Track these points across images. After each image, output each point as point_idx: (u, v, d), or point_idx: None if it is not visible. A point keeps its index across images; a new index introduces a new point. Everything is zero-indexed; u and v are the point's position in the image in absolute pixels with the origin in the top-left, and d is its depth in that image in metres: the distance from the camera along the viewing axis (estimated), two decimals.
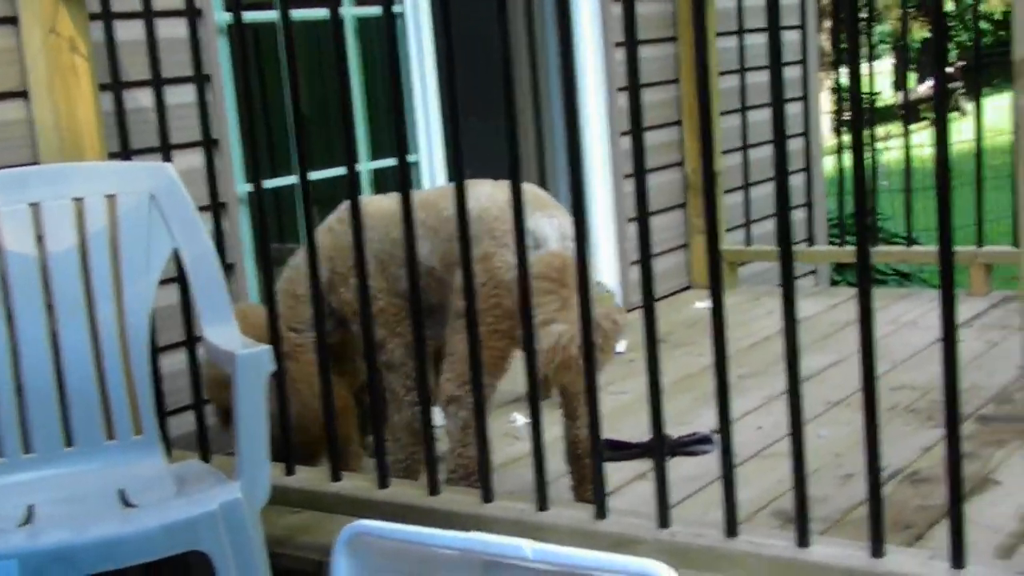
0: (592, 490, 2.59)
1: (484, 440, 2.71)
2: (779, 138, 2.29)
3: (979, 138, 5.19)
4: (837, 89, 6.76)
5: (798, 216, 5.73)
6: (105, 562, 2.38)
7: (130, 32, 3.24)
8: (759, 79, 5.71)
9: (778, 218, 2.32)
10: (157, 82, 3.13)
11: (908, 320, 4.92)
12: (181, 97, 3.39)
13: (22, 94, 3.21)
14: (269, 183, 3.88)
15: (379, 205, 3.25)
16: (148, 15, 3.13)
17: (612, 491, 3.06)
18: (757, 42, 5.76)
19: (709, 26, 2.50)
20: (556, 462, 2.99)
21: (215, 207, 3.14)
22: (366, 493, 2.90)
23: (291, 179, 4.19)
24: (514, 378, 3.03)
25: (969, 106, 14.49)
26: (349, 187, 2.81)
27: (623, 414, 3.79)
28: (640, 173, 2.43)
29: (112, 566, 2.39)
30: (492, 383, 2.97)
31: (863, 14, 6.02)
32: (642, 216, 2.45)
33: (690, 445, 3.55)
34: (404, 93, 4.42)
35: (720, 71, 5.62)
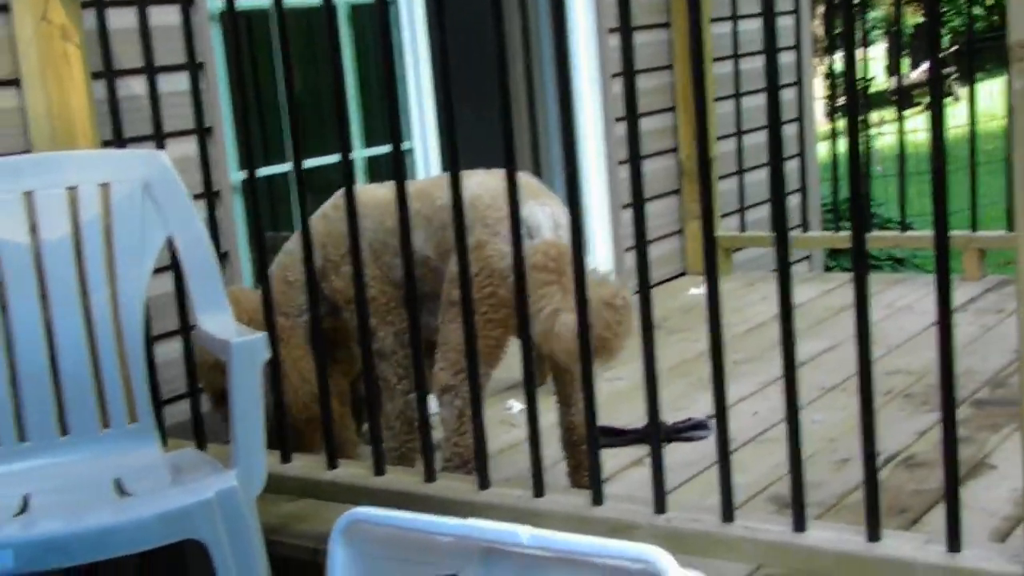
0: (588, 476, 2.59)
1: (480, 427, 2.71)
2: (774, 124, 2.29)
3: (973, 122, 5.19)
4: (830, 75, 6.75)
5: (792, 202, 5.73)
6: (100, 551, 2.38)
7: (122, 20, 3.23)
8: (752, 65, 5.71)
9: (773, 204, 2.32)
10: (150, 70, 3.12)
11: (903, 305, 4.92)
12: (174, 85, 3.37)
13: (14, 82, 3.20)
14: (262, 171, 3.87)
15: (373, 194, 3.24)
16: (141, 2, 3.11)
17: (608, 477, 3.06)
18: (750, 28, 5.75)
19: (703, 12, 2.49)
20: (552, 448, 2.99)
21: (209, 195, 3.13)
22: (362, 481, 2.89)
23: (284, 167, 4.18)
24: (509, 365, 3.03)
25: (961, 91, 14.50)
26: (344, 175, 2.81)
27: (619, 400, 3.79)
28: (635, 159, 2.43)
29: (107, 555, 2.39)
30: (487, 372, 2.97)
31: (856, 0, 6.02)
32: (637, 202, 2.45)
33: (686, 431, 3.55)
34: (398, 81, 4.41)
35: (714, 57, 5.61)
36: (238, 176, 3.90)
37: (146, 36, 3.10)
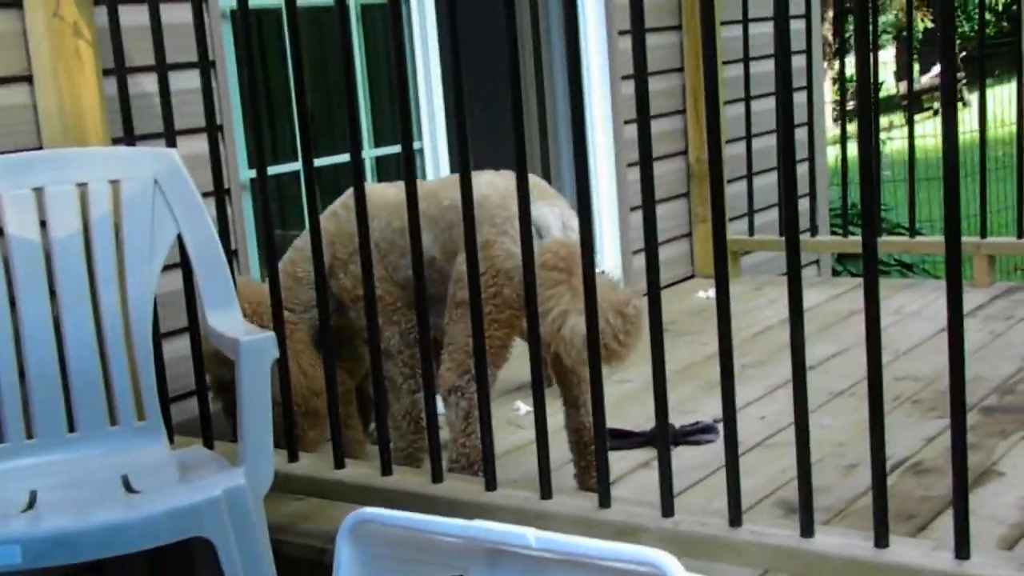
0: (596, 479, 2.59)
1: (488, 428, 2.71)
2: (786, 128, 2.28)
3: (983, 128, 5.18)
4: (838, 79, 6.74)
5: (801, 206, 5.70)
6: (108, 548, 2.38)
7: (134, 17, 3.23)
8: (762, 69, 5.69)
9: (785, 207, 2.32)
10: (161, 67, 3.12)
11: (911, 311, 4.91)
12: (185, 83, 3.37)
13: (26, 79, 3.20)
14: (272, 170, 3.87)
15: (382, 194, 3.25)
16: (153, 0, 3.12)
17: (615, 480, 3.06)
18: (760, 31, 5.74)
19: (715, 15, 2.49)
20: (559, 450, 2.99)
21: (219, 193, 3.13)
22: (369, 480, 2.89)
23: (294, 166, 4.18)
24: (516, 366, 3.03)
25: (970, 96, 14.47)
26: (353, 175, 2.81)
27: (626, 403, 3.79)
28: (646, 161, 2.43)
29: (114, 552, 2.39)
30: (493, 372, 2.97)
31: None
32: (648, 205, 2.44)
33: (693, 434, 3.55)
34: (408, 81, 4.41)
35: (723, 60, 5.60)
36: (248, 174, 3.90)
37: (158, 33, 3.10)
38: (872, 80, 5.68)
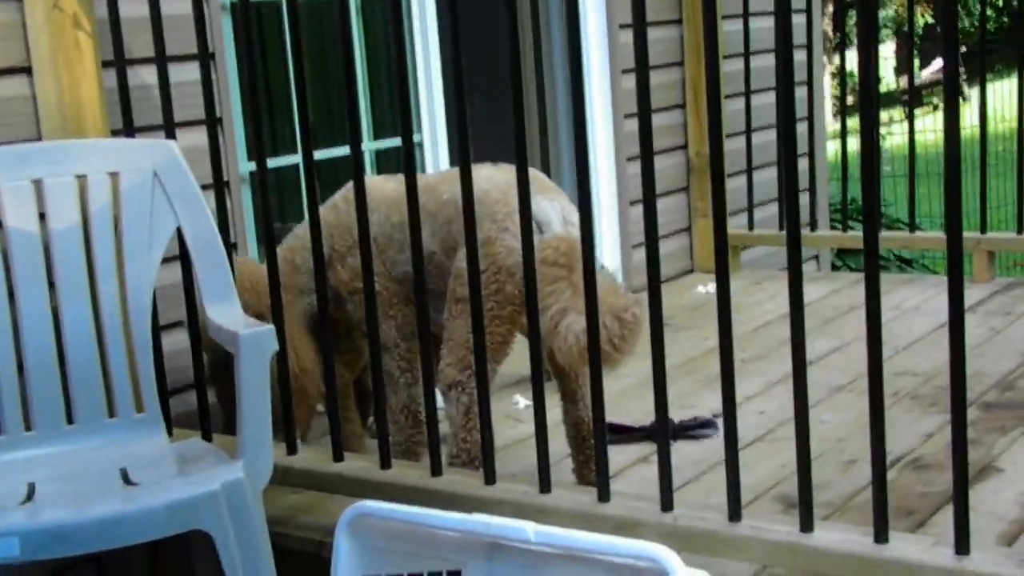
0: (595, 473, 2.58)
1: (487, 423, 2.71)
2: (788, 123, 2.28)
3: (983, 123, 5.18)
4: (838, 74, 6.74)
5: (801, 201, 5.69)
6: (106, 541, 2.37)
7: (134, 8, 3.22)
8: (761, 63, 5.69)
9: (787, 202, 2.31)
10: (161, 59, 3.11)
11: (911, 306, 4.91)
12: (185, 75, 3.36)
13: (25, 70, 3.19)
14: (271, 162, 3.87)
15: (382, 187, 3.24)
16: None
17: (614, 474, 3.05)
18: (760, 26, 5.73)
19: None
20: (558, 444, 2.99)
21: (218, 186, 3.13)
22: (368, 474, 2.89)
23: (293, 159, 4.18)
24: (515, 360, 3.03)
25: (969, 92, 14.48)
26: (353, 169, 2.80)
27: (625, 397, 3.78)
28: (648, 156, 2.42)
29: (113, 545, 2.39)
30: (493, 368, 2.96)
31: None
32: (648, 199, 2.44)
33: (693, 429, 3.54)
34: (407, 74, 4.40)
35: (724, 54, 5.59)
36: (247, 167, 3.90)
37: (157, 25, 3.09)
38: (875, 75, 5.67)
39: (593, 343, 2.53)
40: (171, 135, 3.11)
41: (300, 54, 2.83)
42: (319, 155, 3.87)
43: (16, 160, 2.89)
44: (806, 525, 2.34)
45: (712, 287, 2.42)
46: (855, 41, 2.25)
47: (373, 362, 2.89)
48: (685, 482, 3.13)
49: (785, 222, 2.32)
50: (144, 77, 3.38)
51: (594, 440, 2.60)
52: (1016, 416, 3.51)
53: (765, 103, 5.75)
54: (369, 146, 4.42)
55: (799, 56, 5.78)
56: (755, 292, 5.28)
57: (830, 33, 13.58)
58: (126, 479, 2.63)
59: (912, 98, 6.04)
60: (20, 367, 2.83)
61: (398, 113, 2.74)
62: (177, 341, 3.33)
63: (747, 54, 5.64)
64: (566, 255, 2.76)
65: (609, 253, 5.29)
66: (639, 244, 5.13)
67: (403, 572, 2.29)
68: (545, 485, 2.63)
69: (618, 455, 3.31)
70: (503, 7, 2.50)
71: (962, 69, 16.29)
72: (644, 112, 2.42)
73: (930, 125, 8.50)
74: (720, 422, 2.87)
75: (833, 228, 6.40)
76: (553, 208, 2.93)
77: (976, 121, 5.25)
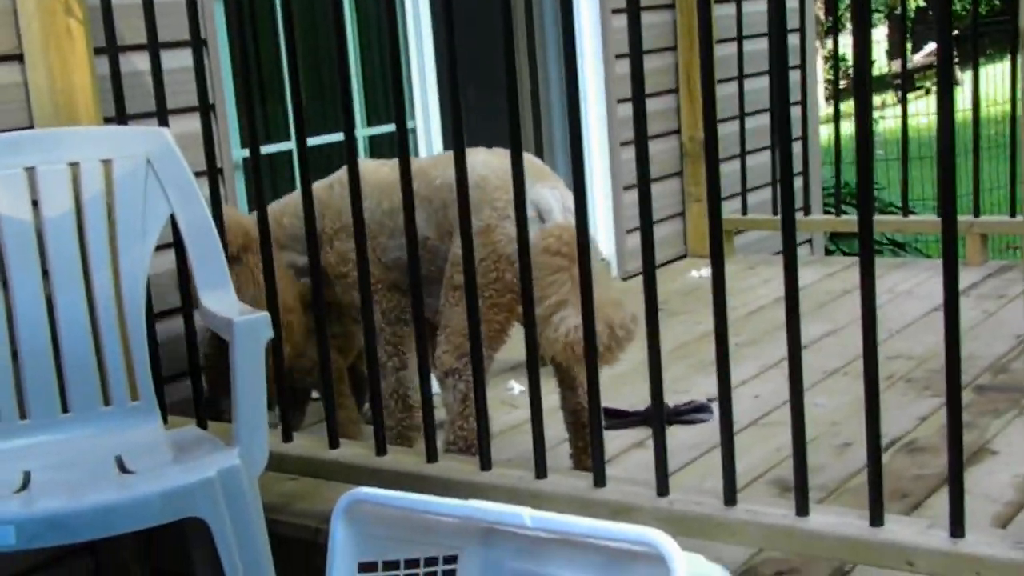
0: (591, 458, 2.59)
1: (483, 409, 2.71)
2: (782, 107, 2.28)
3: (976, 107, 5.18)
4: (831, 58, 6.73)
5: (794, 185, 5.71)
6: (102, 529, 2.37)
7: None
8: (754, 47, 5.68)
9: (781, 186, 2.32)
10: (153, 46, 3.10)
11: (904, 290, 4.92)
12: (177, 61, 3.35)
13: (17, 57, 3.18)
14: (264, 149, 3.86)
15: (376, 171, 3.22)
16: None
17: (610, 459, 3.06)
18: (753, 10, 5.72)
19: None
20: (553, 430, 2.99)
21: (212, 172, 3.12)
22: (364, 460, 2.89)
23: (286, 145, 4.17)
24: (510, 346, 3.03)
25: (961, 76, 14.47)
26: (347, 155, 2.80)
27: (620, 383, 3.78)
28: (642, 141, 2.42)
29: (109, 533, 2.39)
30: (490, 355, 2.95)
31: None
32: (643, 184, 2.44)
33: (688, 413, 3.55)
34: (400, 60, 4.39)
35: (716, 39, 5.58)
36: (240, 154, 3.89)
37: (150, 12, 3.08)
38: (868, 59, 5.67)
39: (588, 331, 2.53)
40: (164, 122, 3.10)
41: (293, 40, 2.83)
42: (312, 141, 3.87)
43: (8, 148, 2.88)
44: (801, 509, 2.34)
45: (705, 272, 2.42)
46: (847, 25, 2.24)
47: (368, 349, 2.89)
48: (681, 466, 3.14)
49: (779, 207, 2.32)
50: (136, 64, 3.37)
51: (589, 425, 2.60)
52: (1010, 398, 3.52)
53: (758, 87, 5.74)
54: (362, 132, 4.41)
55: (792, 40, 5.79)
56: (748, 277, 5.28)
57: (822, 17, 13.57)
58: (121, 467, 2.63)
59: (905, 82, 6.04)
60: (14, 355, 2.83)
61: (392, 99, 2.73)
62: (172, 328, 3.33)
63: (740, 38, 5.63)
64: (568, 245, 2.73)
65: (603, 238, 5.29)
66: (633, 229, 5.13)
67: (399, 558, 2.28)
68: (541, 471, 2.64)
69: (614, 440, 3.32)
70: None
71: (955, 53, 16.32)
72: (638, 97, 2.42)
73: (923, 109, 8.50)
74: (715, 406, 2.87)
75: (826, 212, 6.40)
76: (553, 196, 2.91)
77: (968, 105, 5.25)
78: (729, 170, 5.70)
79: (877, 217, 6.10)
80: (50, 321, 2.85)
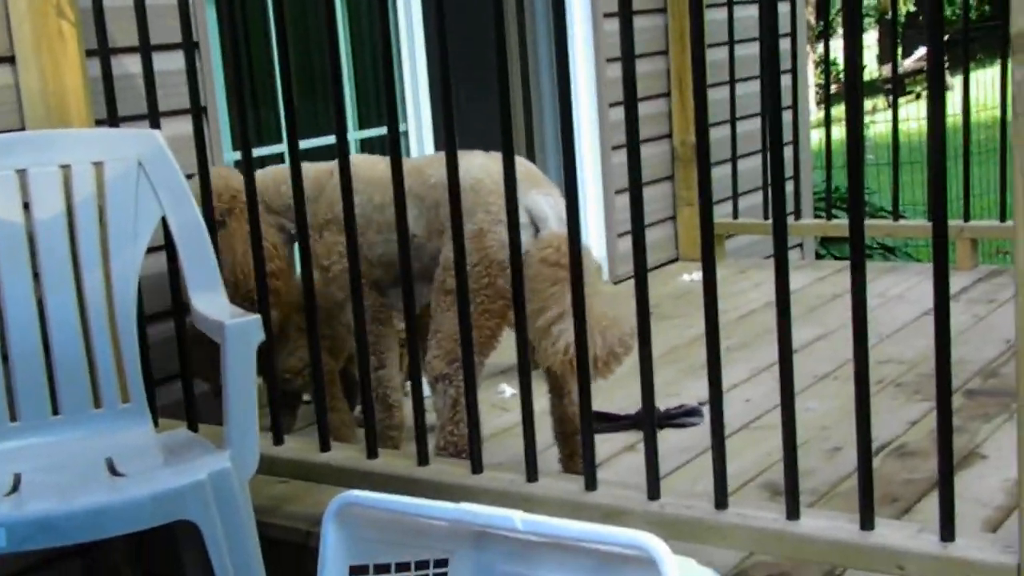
0: (581, 464, 2.58)
1: (474, 411, 2.71)
2: (774, 111, 2.28)
3: (967, 112, 5.19)
4: (822, 63, 6.75)
5: (785, 189, 5.71)
6: (92, 531, 2.37)
7: None
8: (745, 52, 5.69)
9: (772, 190, 2.32)
10: (145, 48, 3.10)
11: (894, 294, 4.93)
12: (169, 64, 3.35)
13: (8, 59, 3.18)
14: (256, 151, 3.86)
15: (370, 167, 3.20)
16: None
17: (601, 462, 3.06)
18: (745, 14, 5.74)
19: None
20: (545, 433, 2.99)
21: (203, 175, 3.11)
22: (354, 463, 2.89)
23: (278, 148, 4.17)
24: (501, 349, 3.03)
25: (951, 80, 14.51)
26: (339, 157, 2.80)
27: (611, 387, 3.78)
28: (634, 145, 2.42)
29: (99, 536, 2.39)
30: (481, 360, 2.95)
31: None
32: (635, 188, 2.44)
33: (679, 417, 3.55)
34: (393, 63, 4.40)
35: (708, 43, 5.59)
36: (232, 156, 3.89)
37: (141, 14, 3.08)
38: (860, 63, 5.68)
39: (580, 334, 2.53)
40: (155, 124, 3.10)
41: (285, 43, 2.82)
42: (304, 144, 3.87)
43: (0, 150, 2.88)
44: (792, 512, 2.34)
45: (697, 275, 2.43)
46: (838, 29, 2.24)
47: (359, 351, 2.89)
48: (672, 470, 3.14)
49: (771, 211, 2.32)
50: (128, 66, 3.37)
51: (580, 428, 2.60)
52: (1000, 403, 3.53)
53: (749, 92, 5.75)
54: (354, 135, 4.41)
55: (783, 44, 5.80)
56: (739, 280, 5.29)
57: (813, 21, 13.59)
58: (112, 470, 2.63)
59: (896, 87, 6.05)
60: (4, 358, 2.82)
61: (384, 102, 2.73)
62: (163, 331, 3.33)
63: (731, 42, 5.64)
64: (567, 256, 2.73)
65: (595, 242, 5.29)
66: (624, 233, 5.13)
67: (390, 561, 2.29)
68: (532, 474, 2.64)
69: (605, 443, 3.32)
70: None
71: (945, 58, 16.38)
72: (630, 101, 2.42)
73: (913, 113, 8.51)
74: (706, 410, 2.87)
75: (817, 216, 6.42)
76: (548, 203, 2.90)
77: (959, 110, 5.26)
78: (720, 174, 5.70)
79: (868, 221, 6.08)
80: (41, 323, 2.85)
